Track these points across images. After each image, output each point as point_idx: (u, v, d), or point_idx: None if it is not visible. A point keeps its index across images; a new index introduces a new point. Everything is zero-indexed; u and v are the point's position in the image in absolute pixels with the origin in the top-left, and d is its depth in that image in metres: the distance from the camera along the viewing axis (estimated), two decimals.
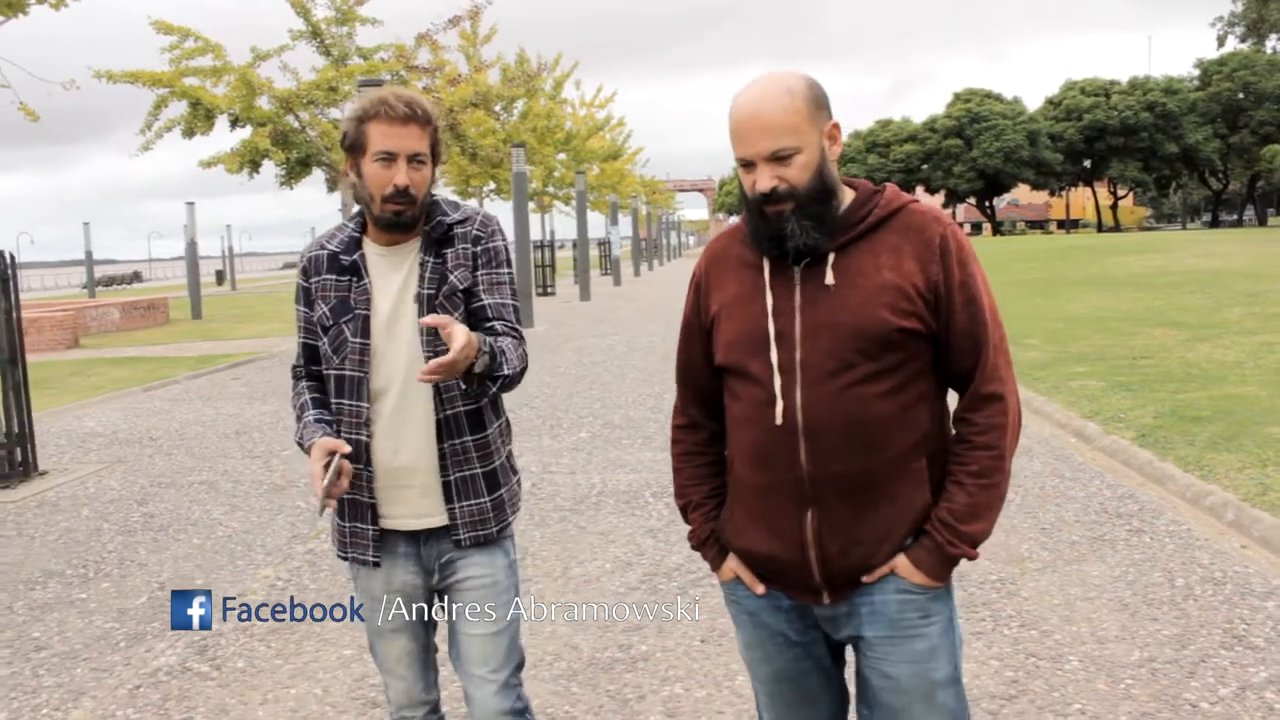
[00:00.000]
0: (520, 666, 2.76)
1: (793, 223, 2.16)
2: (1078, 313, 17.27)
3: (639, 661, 4.39)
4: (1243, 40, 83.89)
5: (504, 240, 2.71)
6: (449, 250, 2.64)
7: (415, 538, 2.68)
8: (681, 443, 2.49)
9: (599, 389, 12.00)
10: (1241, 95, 75.77)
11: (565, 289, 34.66)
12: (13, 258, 8.44)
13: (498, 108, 22.83)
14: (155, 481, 8.18)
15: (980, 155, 78.15)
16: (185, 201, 32.44)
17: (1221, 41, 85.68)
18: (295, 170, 16.85)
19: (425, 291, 2.61)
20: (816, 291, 2.20)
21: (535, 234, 33.02)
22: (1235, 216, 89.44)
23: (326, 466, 2.44)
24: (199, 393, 13.47)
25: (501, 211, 37.85)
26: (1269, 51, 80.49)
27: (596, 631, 4.72)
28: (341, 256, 2.67)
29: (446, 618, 2.75)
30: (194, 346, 20.59)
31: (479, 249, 2.65)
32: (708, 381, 2.40)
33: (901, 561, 2.20)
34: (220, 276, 64.44)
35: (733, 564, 2.37)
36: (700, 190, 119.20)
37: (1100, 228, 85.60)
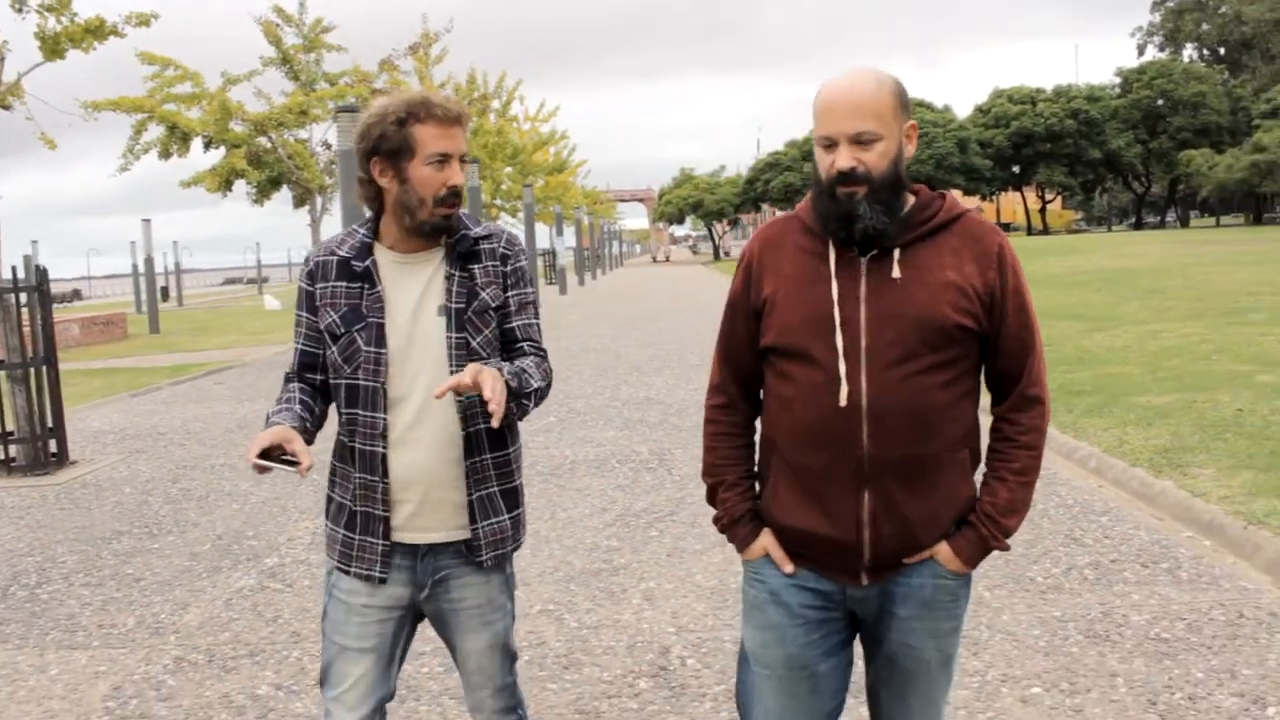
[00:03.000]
0: (514, 661, 2.79)
1: (864, 205, 2.24)
2: None
3: (620, 570, 5.68)
4: (1161, 49, 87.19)
5: (527, 259, 2.72)
6: (476, 266, 2.62)
7: (413, 551, 2.63)
8: (718, 423, 2.52)
9: (560, 384, 13.26)
10: (1160, 102, 78.72)
11: None
12: (45, 271, 9.53)
13: None
14: (179, 465, 9.32)
15: (912, 162, 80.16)
16: (141, 218, 33.23)
17: (1141, 50, 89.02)
18: (266, 188, 17.93)
19: (454, 306, 2.58)
20: (882, 283, 2.28)
21: None
22: (1159, 219, 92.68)
23: (275, 457, 2.39)
24: (186, 396, 14.50)
25: None
26: (1185, 60, 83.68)
27: (584, 553, 6.01)
28: (353, 263, 2.61)
29: (437, 629, 2.77)
30: (162, 358, 21.38)
31: (509, 269, 2.65)
32: (750, 362, 2.45)
33: (943, 549, 2.32)
34: (165, 293, 64.67)
35: (765, 541, 2.41)
36: (640, 200, 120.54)
37: (1030, 231, 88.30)
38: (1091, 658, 4.25)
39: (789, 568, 2.37)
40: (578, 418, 10.53)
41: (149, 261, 33.90)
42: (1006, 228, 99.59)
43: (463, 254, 2.60)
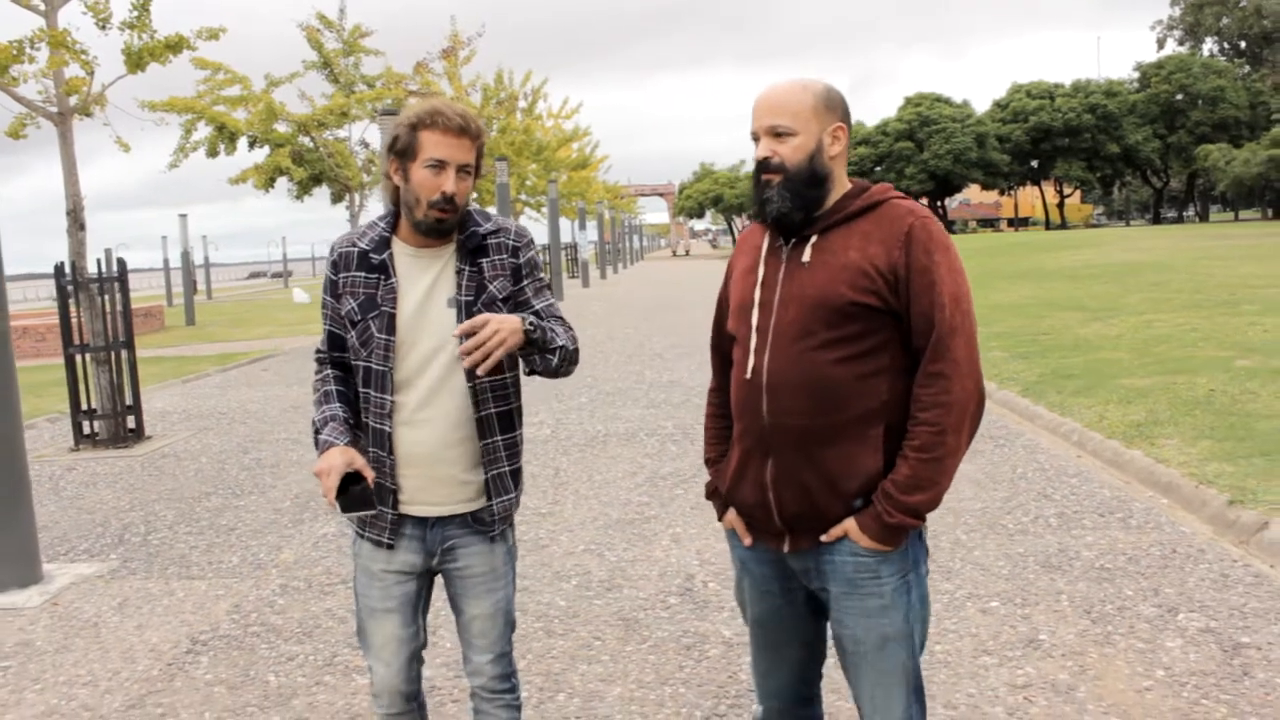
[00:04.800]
0: (512, 630, 2.98)
1: (775, 191, 2.45)
2: (1004, 301, 19.60)
3: (650, 519, 6.59)
4: (1181, 43, 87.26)
5: (536, 249, 2.90)
6: (484, 260, 2.80)
7: (423, 522, 2.83)
8: (711, 405, 2.79)
9: (588, 369, 14.17)
10: (1179, 97, 78.99)
11: None
12: (124, 264, 10.49)
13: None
14: (246, 440, 10.27)
15: (931, 157, 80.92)
16: (178, 214, 34.35)
17: (1161, 44, 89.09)
18: (307, 185, 18.88)
19: (463, 298, 2.76)
20: (795, 267, 2.47)
21: None
22: (1178, 213, 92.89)
23: (349, 483, 2.61)
24: (236, 382, 15.46)
25: None
26: (1205, 54, 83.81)
27: (619, 506, 6.92)
28: (371, 255, 2.80)
29: (448, 594, 2.94)
30: (204, 348, 22.33)
31: (522, 260, 2.83)
32: (730, 347, 2.65)
33: (850, 525, 2.43)
34: (194, 286, 65.75)
35: (730, 515, 2.65)
36: (660, 194, 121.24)
37: (1048, 225, 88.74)
38: (1044, 582, 5.13)
39: (747, 540, 2.61)
40: (607, 398, 11.44)
41: (185, 255, 35.01)
42: (1024, 222, 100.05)
43: (472, 249, 2.80)
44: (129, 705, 4.31)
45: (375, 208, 23.22)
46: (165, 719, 4.16)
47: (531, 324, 2.65)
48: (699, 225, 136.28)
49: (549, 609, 5.12)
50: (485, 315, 2.59)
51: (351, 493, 2.60)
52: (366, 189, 19.10)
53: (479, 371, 2.57)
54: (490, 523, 2.82)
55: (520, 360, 2.79)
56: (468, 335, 2.57)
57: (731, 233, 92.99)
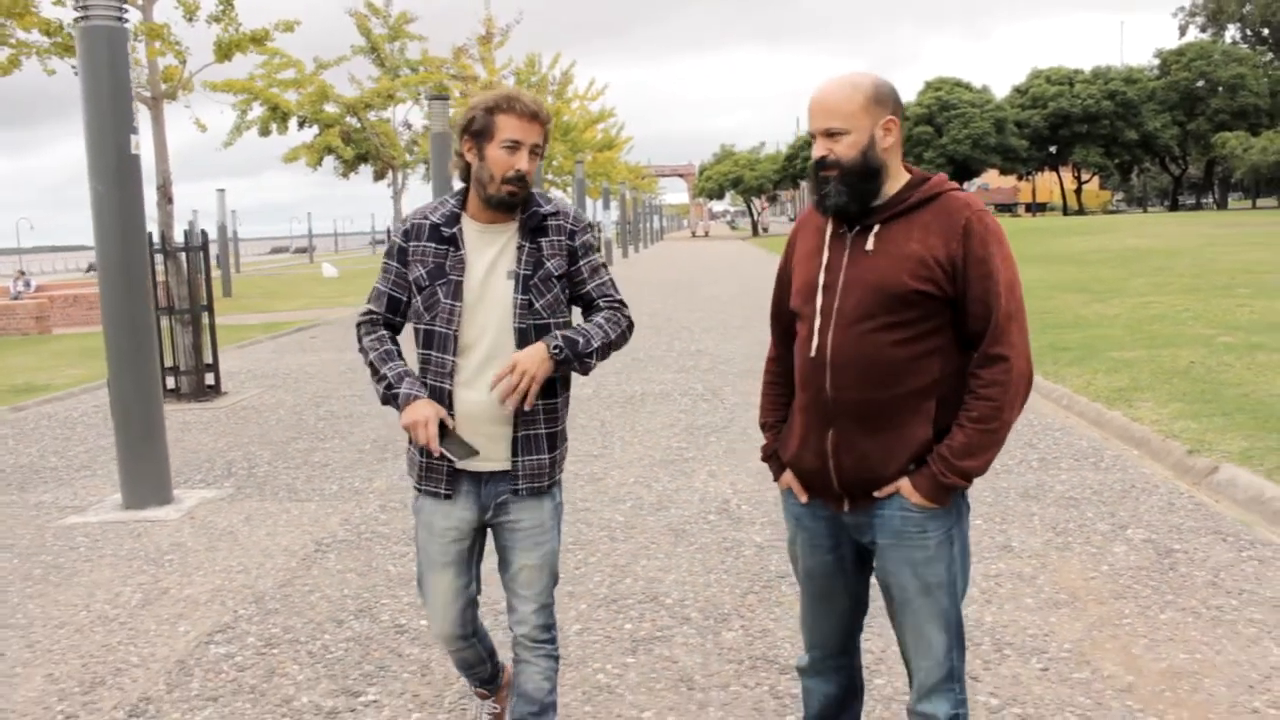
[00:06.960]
0: (554, 583, 3.17)
1: (832, 186, 2.60)
2: None
3: (689, 460, 7.64)
4: (1203, 30, 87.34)
5: (591, 232, 3.12)
6: (544, 239, 3.00)
7: (477, 478, 3.04)
8: (769, 373, 2.98)
9: None
10: (1199, 84, 79.27)
11: None
12: (206, 235, 11.56)
13: None
14: (316, 396, 11.34)
15: (950, 142, 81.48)
16: (216, 189, 35.54)
17: (1183, 31, 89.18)
18: (353, 163, 19.94)
19: (521, 271, 2.97)
20: (859, 255, 2.64)
21: None
22: (1194, 200, 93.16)
23: (444, 440, 2.90)
24: (289, 348, 16.54)
25: None
26: (1227, 41, 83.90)
27: (661, 450, 7.97)
28: (443, 228, 3.01)
29: (497, 548, 3.15)
30: (248, 318, 23.37)
31: (577, 243, 3.05)
32: (790, 321, 2.84)
33: (904, 484, 2.62)
34: (219, 260, 66.88)
35: (787, 476, 2.85)
36: (680, 175, 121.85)
37: (1066, 211, 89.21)
38: (1021, 507, 6.17)
39: (804, 497, 2.82)
40: (640, 365, 12.50)
41: (221, 229, 36.23)
42: (1042, 208, 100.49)
43: (533, 228, 3.01)
44: (281, 585, 5.39)
45: (415, 185, 24.26)
46: (314, 594, 5.24)
47: (557, 347, 2.92)
48: (718, 206, 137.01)
49: (610, 523, 6.18)
50: (512, 359, 2.90)
51: (449, 439, 2.92)
52: (409, 168, 20.14)
53: (525, 407, 2.93)
54: (516, 478, 3.02)
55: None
56: (526, 304, 2.93)
57: (750, 214, 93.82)
